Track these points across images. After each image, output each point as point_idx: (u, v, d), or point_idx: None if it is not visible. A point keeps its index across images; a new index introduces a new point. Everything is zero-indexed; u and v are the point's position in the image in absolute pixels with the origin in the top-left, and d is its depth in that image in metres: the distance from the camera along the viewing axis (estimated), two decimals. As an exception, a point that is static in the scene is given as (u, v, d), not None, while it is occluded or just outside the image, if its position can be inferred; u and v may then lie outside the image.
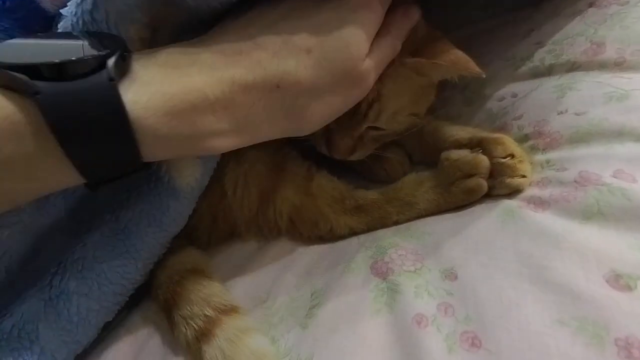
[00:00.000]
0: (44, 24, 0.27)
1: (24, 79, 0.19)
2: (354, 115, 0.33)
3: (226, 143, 0.24)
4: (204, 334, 0.28)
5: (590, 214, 0.25)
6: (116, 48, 0.21)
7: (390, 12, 0.28)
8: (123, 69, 0.21)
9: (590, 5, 0.37)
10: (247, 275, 0.34)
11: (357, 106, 0.32)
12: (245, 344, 0.27)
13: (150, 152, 0.22)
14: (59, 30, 0.24)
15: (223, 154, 0.33)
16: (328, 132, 0.35)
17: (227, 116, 0.23)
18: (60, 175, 0.21)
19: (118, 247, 0.29)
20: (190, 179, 0.30)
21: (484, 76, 0.30)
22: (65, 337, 0.28)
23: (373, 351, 0.24)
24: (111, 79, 0.20)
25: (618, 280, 0.22)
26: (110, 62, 0.20)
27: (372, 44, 0.26)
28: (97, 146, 0.21)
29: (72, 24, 0.24)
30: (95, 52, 0.20)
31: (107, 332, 0.32)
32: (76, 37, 0.22)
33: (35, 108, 0.19)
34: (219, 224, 0.36)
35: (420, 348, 0.23)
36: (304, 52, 0.24)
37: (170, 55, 0.23)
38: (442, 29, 0.33)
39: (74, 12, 0.24)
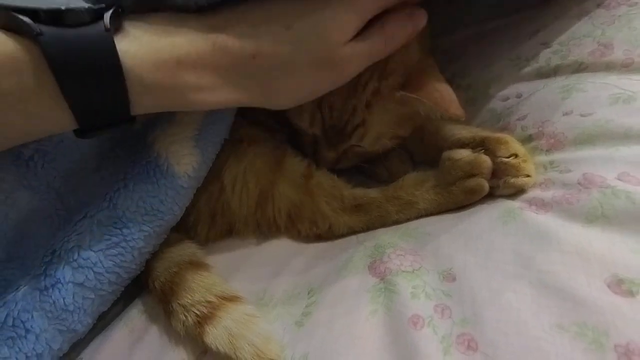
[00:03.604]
0: None
1: (28, 22, 0.21)
2: (339, 133, 0.35)
3: (203, 98, 0.26)
4: (207, 318, 0.28)
5: (594, 217, 0.25)
6: (112, 4, 0.23)
7: (395, 11, 0.28)
8: (117, 23, 0.23)
9: (598, 5, 0.36)
10: (245, 271, 0.34)
11: (344, 126, 0.34)
12: (254, 324, 0.27)
13: (137, 100, 0.24)
14: None
15: (222, 150, 0.33)
16: (315, 142, 0.37)
17: (206, 74, 0.25)
18: (54, 114, 0.23)
19: (115, 236, 0.29)
20: (187, 167, 0.30)
21: (463, 119, 0.31)
22: (60, 326, 0.28)
23: (368, 352, 0.24)
24: (107, 30, 0.22)
25: (620, 285, 0.21)
26: (107, 15, 0.22)
27: (362, 33, 0.27)
28: (90, 87, 0.23)
29: None
30: (93, 5, 0.22)
31: (104, 325, 0.32)
32: None
33: (37, 48, 0.21)
34: (218, 221, 0.36)
35: (415, 350, 0.23)
36: (283, 28, 0.25)
37: (159, 18, 0.25)
38: (448, 28, 0.33)
39: None
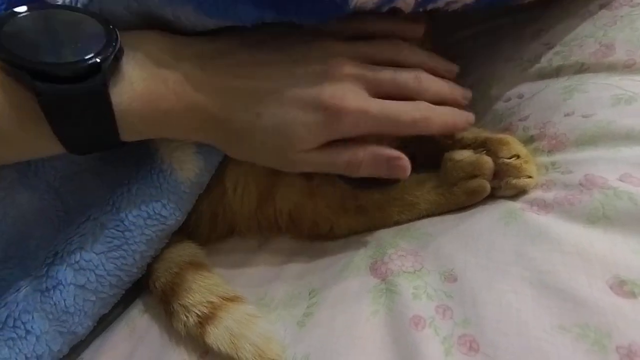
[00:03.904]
0: None
1: (27, 79, 0.21)
2: None
3: (184, 137, 0.29)
4: (208, 318, 0.28)
5: (595, 218, 0.25)
6: (112, 47, 0.23)
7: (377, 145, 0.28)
8: (114, 68, 0.24)
9: (602, 6, 0.36)
10: (246, 271, 0.34)
11: None
12: (255, 324, 0.27)
13: (128, 137, 0.26)
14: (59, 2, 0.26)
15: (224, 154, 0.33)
16: None
17: (185, 125, 0.28)
18: (49, 149, 0.25)
19: (117, 239, 0.29)
20: (190, 173, 0.31)
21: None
22: (60, 328, 0.28)
23: (369, 352, 0.24)
24: (104, 84, 0.23)
25: (622, 287, 0.21)
26: (105, 66, 0.23)
27: (331, 146, 0.27)
28: (84, 131, 0.24)
29: None
30: (93, 57, 0.22)
31: (105, 326, 0.32)
32: (76, 31, 0.24)
33: (34, 100, 0.22)
34: (219, 222, 0.36)
35: (417, 350, 0.23)
36: (255, 114, 0.26)
37: (157, 54, 0.26)
38: (450, 27, 0.33)
39: None
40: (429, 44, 0.36)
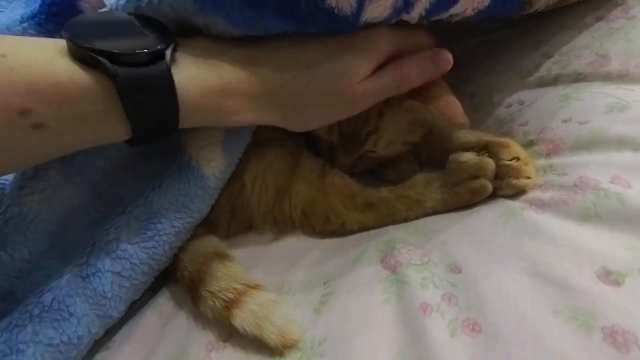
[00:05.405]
0: None
1: (106, 64, 0.24)
2: (355, 140, 0.37)
3: (237, 119, 0.30)
4: (234, 302, 0.30)
5: (587, 216, 0.27)
6: (169, 40, 0.27)
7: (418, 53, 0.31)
8: (174, 57, 0.27)
9: (598, 19, 0.38)
10: (263, 264, 0.36)
11: (358, 134, 0.36)
12: (277, 308, 0.29)
13: (185, 119, 0.28)
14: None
15: (244, 153, 0.36)
16: (332, 148, 0.39)
17: (241, 100, 0.29)
18: (116, 131, 0.27)
19: (149, 230, 0.31)
20: (215, 169, 0.33)
21: (468, 127, 0.34)
22: (98, 312, 0.30)
23: (382, 335, 0.26)
24: (168, 69, 0.26)
25: (608, 276, 0.23)
26: (168, 53, 0.26)
27: (379, 71, 0.31)
28: (150, 112, 0.27)
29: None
30: (157, 45, 0.26)
31: (134, 311, 0.34)
32: (137, 26, 0.27)
33: (109, 82, 0.25)
34: (238, 216, 0.38)
35: (425, 333, 0.25)
36: (304, 69, 0.29)
37: (203, 48, 0.29)
38: (454, 37, 0.35)
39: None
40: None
